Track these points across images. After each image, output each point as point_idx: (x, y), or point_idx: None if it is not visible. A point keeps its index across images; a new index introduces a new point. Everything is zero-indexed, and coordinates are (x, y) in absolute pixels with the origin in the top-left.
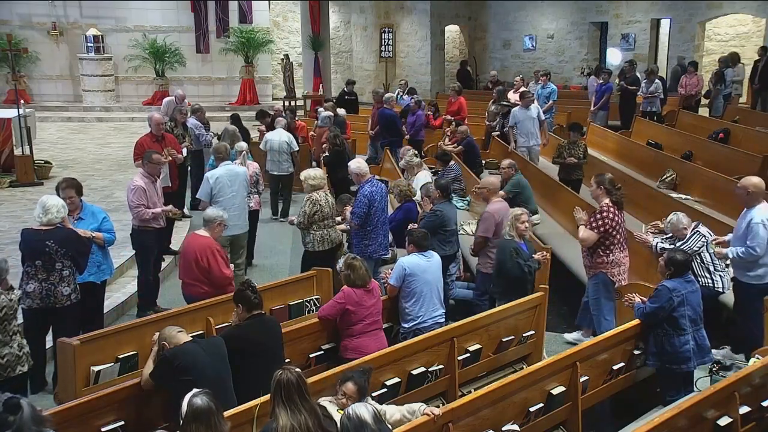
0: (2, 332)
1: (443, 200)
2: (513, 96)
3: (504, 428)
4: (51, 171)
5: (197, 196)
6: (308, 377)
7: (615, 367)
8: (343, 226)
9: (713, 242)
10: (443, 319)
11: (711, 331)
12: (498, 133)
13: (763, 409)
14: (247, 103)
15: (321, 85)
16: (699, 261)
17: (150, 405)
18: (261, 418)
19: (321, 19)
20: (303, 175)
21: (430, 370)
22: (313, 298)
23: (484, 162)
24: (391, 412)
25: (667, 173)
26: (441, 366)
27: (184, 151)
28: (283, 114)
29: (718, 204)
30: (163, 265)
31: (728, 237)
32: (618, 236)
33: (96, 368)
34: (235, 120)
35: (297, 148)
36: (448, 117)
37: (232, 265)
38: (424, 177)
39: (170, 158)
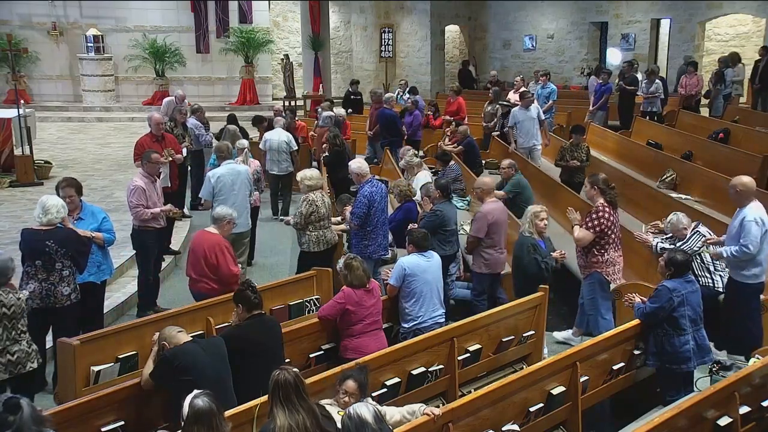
0: (12, 330)
1: (443, 200)
2: (513, 96)
3: (504, 428)
4: (51, 171)
5: (200, 195)
6: (308, 377)
7: (615, 367)
8: (342, 226)
9: (706, 242)
10: (443, 319)
11: (711, 331)
12: (498, 133)
13: (763, 409)
14: (247, 103)
15: (321, 85)
16: (699, 261)
17: (150, 405)
18: (261, 418)
19: (321, 19)
20: (300, 175)
21: (430, 370)
22: (313, 298)
23: (484, 162)
24: (391, 413)
25: (667, 173)
26: (441, 366)
27: (184, 151)
28: (283, 114)
29: (718, 204)
30: (163, 265)
31: (722, 238)
32: (613, 236)
33: (96, 368)
34: (232, 120)
35: (296, 148)
36: (447, 117)
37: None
38: (424, 177)
39: (170, 158)
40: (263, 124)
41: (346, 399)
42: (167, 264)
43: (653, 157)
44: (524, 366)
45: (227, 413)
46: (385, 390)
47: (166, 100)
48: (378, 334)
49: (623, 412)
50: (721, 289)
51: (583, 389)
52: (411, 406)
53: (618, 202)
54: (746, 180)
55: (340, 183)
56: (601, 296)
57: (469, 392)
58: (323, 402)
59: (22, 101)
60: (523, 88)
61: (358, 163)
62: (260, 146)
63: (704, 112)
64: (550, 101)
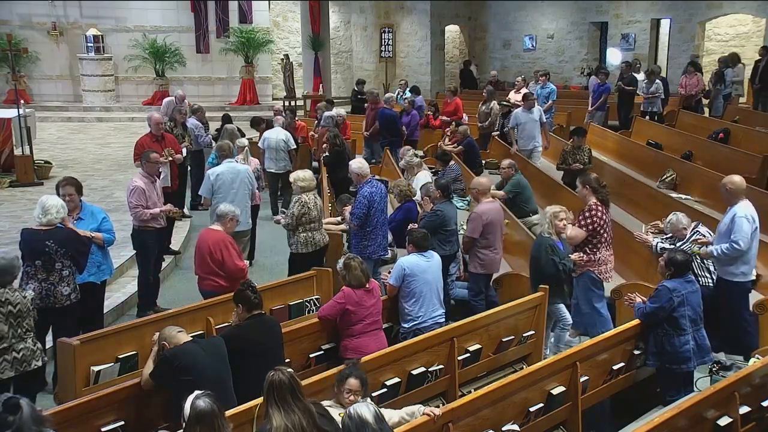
0: (18, 328)
1: (443, 200)
2: (514, 96)
3: (504, 428)
4: (51, 171)
5: (199, 193)
6: (308, 377)
7: (615, 367)
8: (342, 227)
9: (696, 242)
10: (443, 319)
11: (711, 331)
12: (497, 133)
13: (763, 409)
14: (247, 103)
15: (321, 85)
16: (699, 261)
17: (150, 405)
18: (261, 419)
19: (321, 19)
20: (293, 176)
21: (430, 370)
22: (313, 298)
23: (484, 162)
24: (389, 415)
25: (667, 173)
26: (441, 366)
27: (184, 151)
28: (283, 113)
29: (718, 204)
30: (163, 265)
31: (712, 239)
32: (605, 234)
33: (96, 368)
34: (227, 120)
35: (294, 147)
36: (444, 118)
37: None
38: (424, 177)
39: (170, 158)
40: (261, 126)
41: (351, 398)
42: (167, 264)
43: (653, 157)
44: (524, 366)
45: (227, 413)
46: (385, 390)
47: (165, 100)
48: (378, 334)
49: (623, 412)
50: None
51: (583, 389)
52: (410, 407)
53: (614, 201)
54: (737, 179)
55: (340, 183)
56: (596, 295)
57: (469, 392)
58: (324, 404)
59: (22, 101)
60: (524, 89)
61: (359, 164)
62: (259, 145)
63: (705, 111)
64: (550, 101)
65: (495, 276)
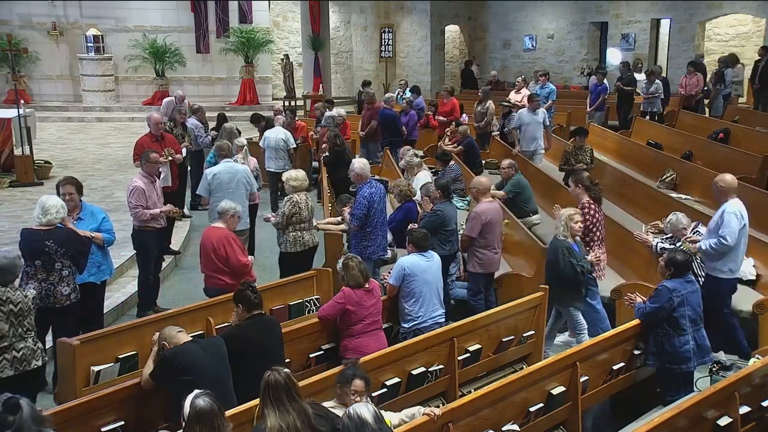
0: (19, 327)
1: (443, 200)
2: (514, 96)
3: (504, 428)
4: (51, 171)
5: (197, 192)
6: (308, 377)
7: (615, 367)
8: (342, 227)
9: (686, 239)
10: (443, 319)
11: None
12: (498, 133)
13: (763, 409)
14: (247, 103)
15: (321, 85)
16: (699, 261)
17: (150, 405)
18: (260, 419)
19: (321, 19)
20: (285, 176)
21: (430, 370)
22: (313, 298)
23: (484, 162)
24: (389, 417)
25: (667, 173)
26: (441, 366)
27: (184, 151)
28: (283, 113)
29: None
30: (163, 265)
31: (700, 237)
32: (598, 233)
33: (96, 368)
34: (222, 119)
35: (294, 146)
36: (441, 118)
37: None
38: (424, 177)
39: (170, 158)
40: (261, 123)
41: (358, 399)
42: (167, 264)
43: (653, 157)
44: (524, 366)
45: (227, 413)
46: (385, 390)
47: (165, 100)
48: (378, 334)
49: (623, 412)
50: None
51: (583, 389)
52: (410, 409)
53: (615, 201)
54: (728, 178)
55: (340, 183)
56: (591, 292)
57: (469, 392)
58: (327, 404)
59: (22, 101)
60: (524, 90)
61: (361, 164)
62: (260, 144)
63: (706, 112)
64: (549, 101)
65: (495, 276)
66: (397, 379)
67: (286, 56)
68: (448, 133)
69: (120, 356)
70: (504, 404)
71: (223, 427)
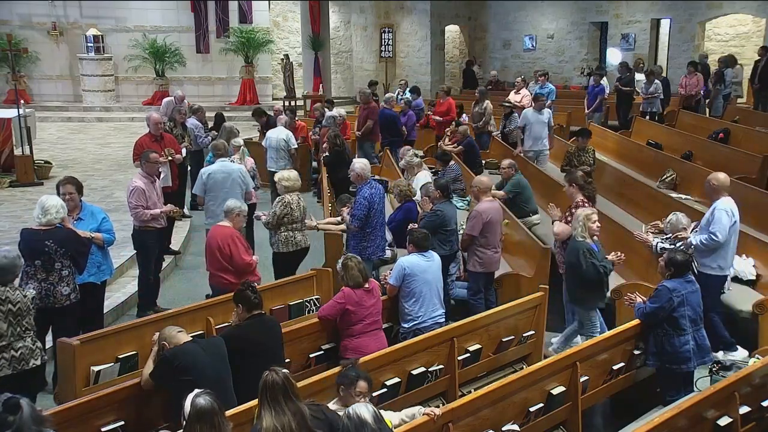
0: (18, 326)
1: (443, 200)
2: (514, 97)
3: (504, 428)
4: (51, 171)
5: (193, 191)
6: (308, 377)
7: (615, 367)
8: (342, 227)
9: (677, 237)
10: (443, 319)
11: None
12: (498, 133)
13: (763, 409)
14: (247, 103)
15: (321, 85)
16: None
17: (150, 405)
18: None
19: (321, 19)
20: (277, 176)
21: (430, 370)
22: (313, 298)
23: (484, 162)
24: (389, 417)
25: (667, 173)
26: (441, 366)
27: (183, 151)
28: (284, 113)
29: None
30: (164, 265)
31: (691, 234)
32: None
33: (96, 368)
34: (220, 118)
35: (295, 146)
36: (437, 118)
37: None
38: (424, 177)
39: (170, 158)
40: (263, 118)
41: (362, 400)
42: (167, 264)
43: (653, 157)
44: (524, 366)
45: (227, 413)
46: (385, 390)
47: (165, 100)
48: (378, 334)
49: (623, 412)
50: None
51: (583, 389)
52: (410, 409)
53: (614, 201)
54: (721, 176)
55: (340, 183)
56: None
57: (469, 392)
58: (329, 404)
59: (22, 101)
60: (524, 90)
61: (362, 165)
62: (263, 143)
63: (706, 112)
64: (549, 101)
65: (495, 276)
66: (397, 379)
67: (286, 56)
68: (448, 133)
69: (120, 356)
70: (504, 404)
71: (223, 425)
